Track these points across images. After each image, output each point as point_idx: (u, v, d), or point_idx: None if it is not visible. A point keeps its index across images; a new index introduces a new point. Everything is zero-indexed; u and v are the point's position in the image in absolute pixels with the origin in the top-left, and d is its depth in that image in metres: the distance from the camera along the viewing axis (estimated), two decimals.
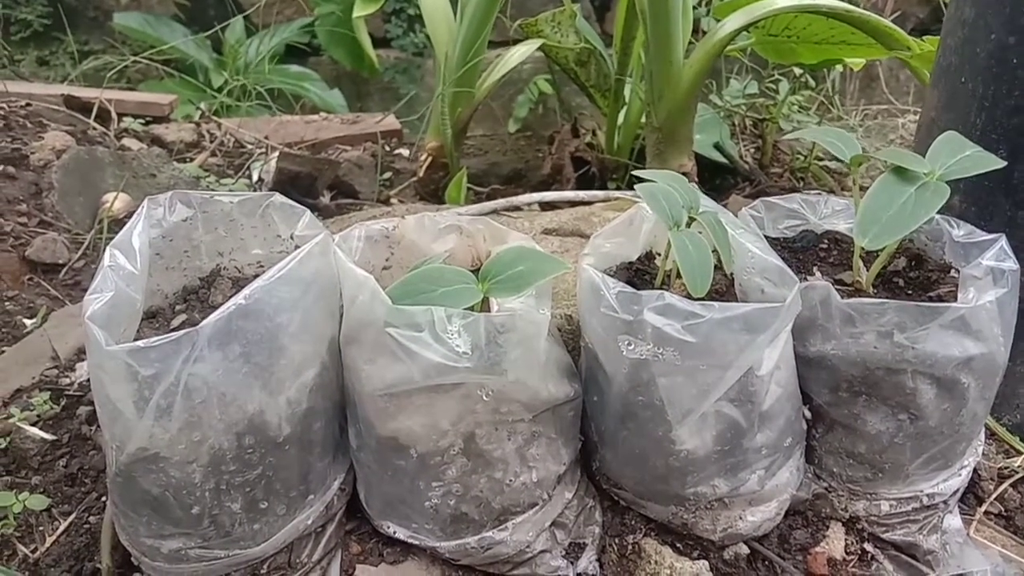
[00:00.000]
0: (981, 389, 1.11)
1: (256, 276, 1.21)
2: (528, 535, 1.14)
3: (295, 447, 1.05)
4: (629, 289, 1.05)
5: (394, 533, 1.15)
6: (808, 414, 1.21)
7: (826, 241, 1.31)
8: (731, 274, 1.20)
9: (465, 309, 1.03)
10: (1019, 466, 1.34)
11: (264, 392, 1.01)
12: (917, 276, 1.21)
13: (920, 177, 1.04)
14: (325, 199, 2.65)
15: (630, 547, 1.21)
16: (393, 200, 2.86)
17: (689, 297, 1.08)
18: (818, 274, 1.26)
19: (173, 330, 1.07)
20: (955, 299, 1.13)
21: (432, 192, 2.76)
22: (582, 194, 1.95)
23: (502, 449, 1.09)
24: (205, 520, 1.02)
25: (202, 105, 3.41)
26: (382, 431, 1.07)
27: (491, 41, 2.48)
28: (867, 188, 1.08)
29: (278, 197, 1.19)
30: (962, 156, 1.09)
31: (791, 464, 1.17)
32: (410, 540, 1.14)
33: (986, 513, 1.28)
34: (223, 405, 0.97)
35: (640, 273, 1.26)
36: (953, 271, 1.18)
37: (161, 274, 1.18)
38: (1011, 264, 1.09)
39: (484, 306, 1.08)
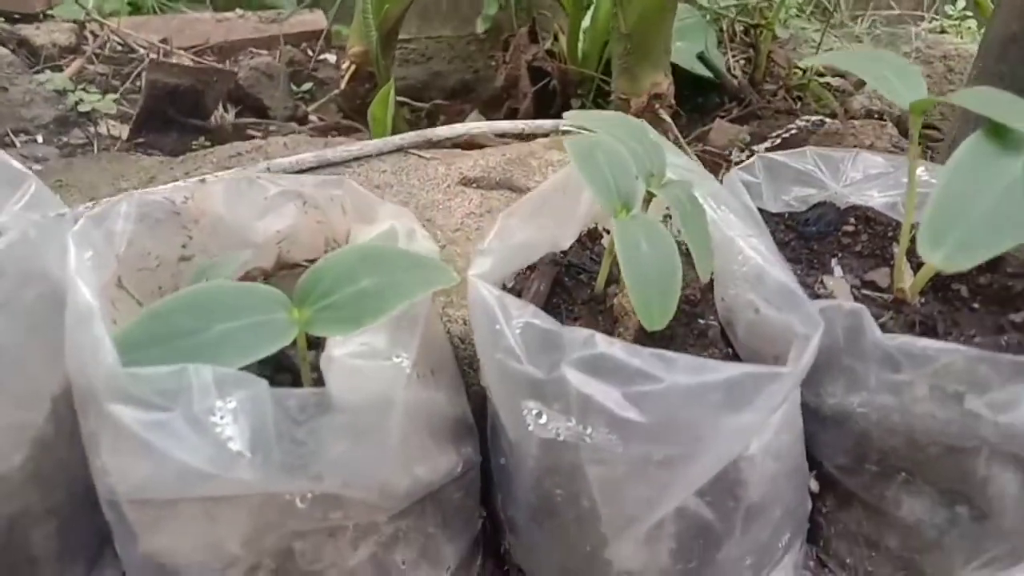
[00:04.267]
0: None
1: None
2: None
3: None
4: (539, 322, 0.63)
5: None
6: (815, 486, 0.81)
7: (852, 220, 0.88)
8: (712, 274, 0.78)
9: (274, 354, 0.61)
10: None
11: None
12: (990, 283, 0.80)
13: None
14: (225, 116, 2.17)
15: None
16: (312, 117, 2.39)
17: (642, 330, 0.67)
18: (838, 271, 0.85)
19: None
20: None
21: (359, 108, 2.29)
22: (519, 124, 1.50)
23: (341, 566, 0.69)
24: None
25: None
26: (143, 543, 0.66)
27: None
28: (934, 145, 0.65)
29: None
30: None
31: (787, 563, 0.79)
32: None
33: None
34: None
35: (574, 270, 0.84)
36: None
37: None
38: None
39: (309, 345, 0.66)
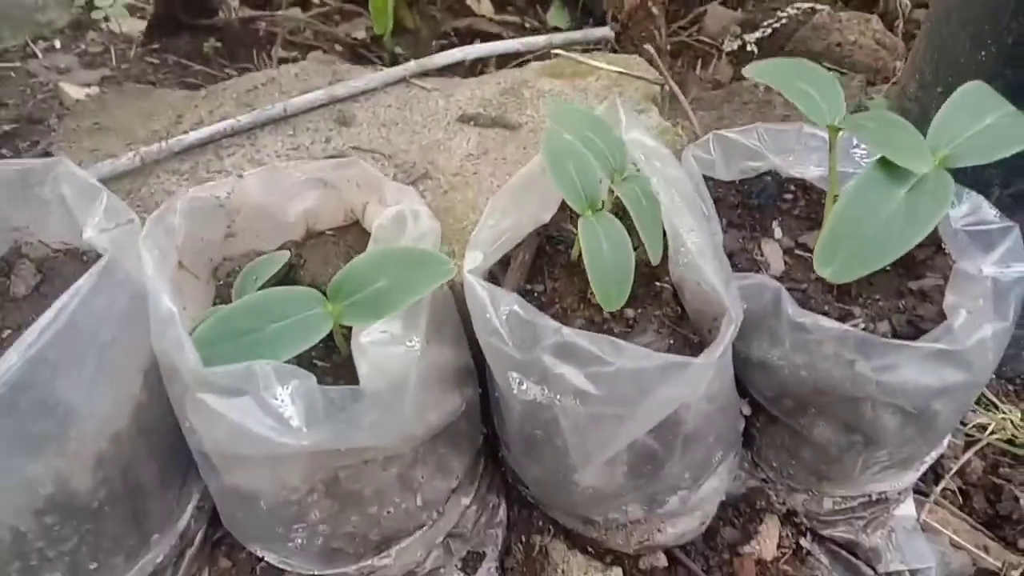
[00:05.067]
0: (957, 410, 0.91)
1: (68, 253, 0.97)
2: (417, 555, 0.99)
3: (119, 504, 0.87)
4: (521, 311, 0.80)
5: (263, 556, 1.00)
6: (747, 410, 1.01)
7: (793, 189, 1.03)
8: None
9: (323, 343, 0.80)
10: (995, 427, 1.17)
11: (61, 459, 0.80)
12: None
13: (914, 174, 0.75)
14: (233, 11, 2.23)
15: (537, 548, 1.08)
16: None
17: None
18: (779, 232, 1.00)
19: None
20: (942, 294, 0.89)
21: None
22: (513, 44, 1.58)
23: (375, 484, 0.91)
24: None
25: None
26: (224, 478, 0.88)
27: None
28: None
29: (65, 165, 0.89)
30: (981, 128, 0.79)
31: (721, 471, 1.00)
32: (281, 565, 0.99)
33: (944, 490, 1.14)
34: (6, 485, 0.77)
35: (554, 242, 1.00)
36: (947, 254, 0.92)
37: None
38: (1020, 268, 0.84)
39: (342, 332, 0.84)
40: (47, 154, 1.52)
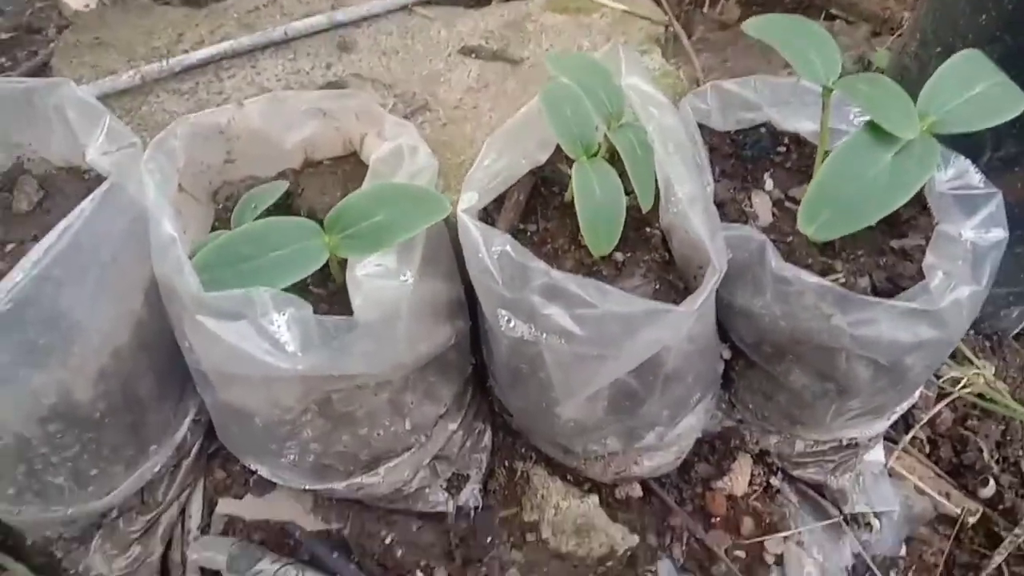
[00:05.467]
0: (929, 364, 0.94)
1: (70, 171, 0.99)
2: (404, 474, 1.04)
3: (119, 415, 0.91)
4: (512, 252, 0.83)
5: (256, 469, 1.05)
6: (727, 354, 1.05)
7: (786, 142, 1.04)
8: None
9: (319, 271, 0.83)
10: (967, 381, 1.22)
11: (65, 371, 0.84)
12: None
13: (902, 139, 0.77)
14: None
15: (519, 474, 1.13)
16: None
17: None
18: (770, 184, 1.02)
19: None
20: (922, 254, 0.92)
21: None
22: None
23: (366, 407, 0.95)
24: (27, 494, 0.91)
25: None
26: (221, 395, 0.92)
27: None
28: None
29: (69, 87, 0.90)
30: (970, 95, 0.80)
31: (699, 410, 1.04)
32: (273, 479, 1.04)
33: (912, 439, 1.19)
34: (12, 394, 0.81)
35: (549, 183, 1.02)
36: (931, 215, 0.94)
37: None
38: (998, 234, 0.86)
39: (338, 262, 0.87)
40: (45, 65, 1.51)
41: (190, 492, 1.07)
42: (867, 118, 0.78)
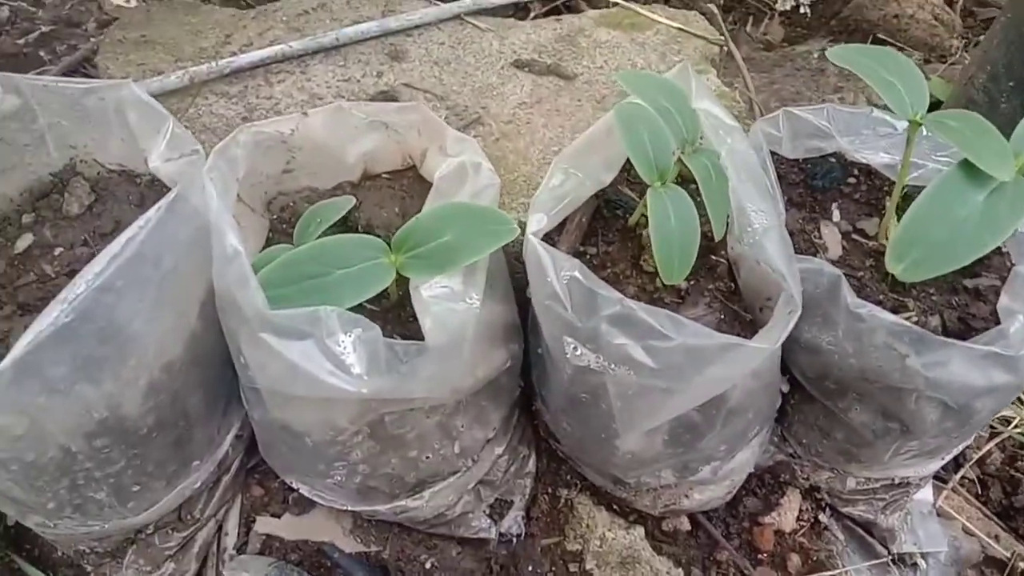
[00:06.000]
0: (995, 408, 0.92)
1: (122, 174, 0.97)
2: (448, 499, 1.02)
3: (166, 431, 0.88)
4: (582, 278, 0.80)
5: (298, 488, 1.02)
6: (786, 387, 1.02)
7: (856, 173, 1.01)
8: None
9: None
10: (1019, 421, 1.19)
11: (117, 384, 0.81)
12: None
13: (995, 180, 0.74)
14: None
15: (563, 501, 1.10)
16: None
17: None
18: (837, 215, 1.00)
19: (17, 255, 0.87)
20: (996, 295, 0.90)
21: None
22: None
23: (418, 429, 0.92)
24: (66, 508, 0.88)
25: None
26: (273, 413, 0.89)
27: None
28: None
29: (131, 89, 0.88)
30: None
31: (754, 444, 1.02)
32: (314, 498, 1.01)
33: (962, 479, 1.16)
34: (63, 408, 0.78)
35: (612, 206, 0.99)
36: (1006, 254, 0.92)
37: None
38: None
39: (402, 283, 0.84)
40: (87, 60, 1.49)
41: (228, 509, 1.05)
42: (954, 157, 0.76)
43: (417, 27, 1.39)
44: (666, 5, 1.62)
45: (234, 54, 1.29)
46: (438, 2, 1.45)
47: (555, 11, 1.63)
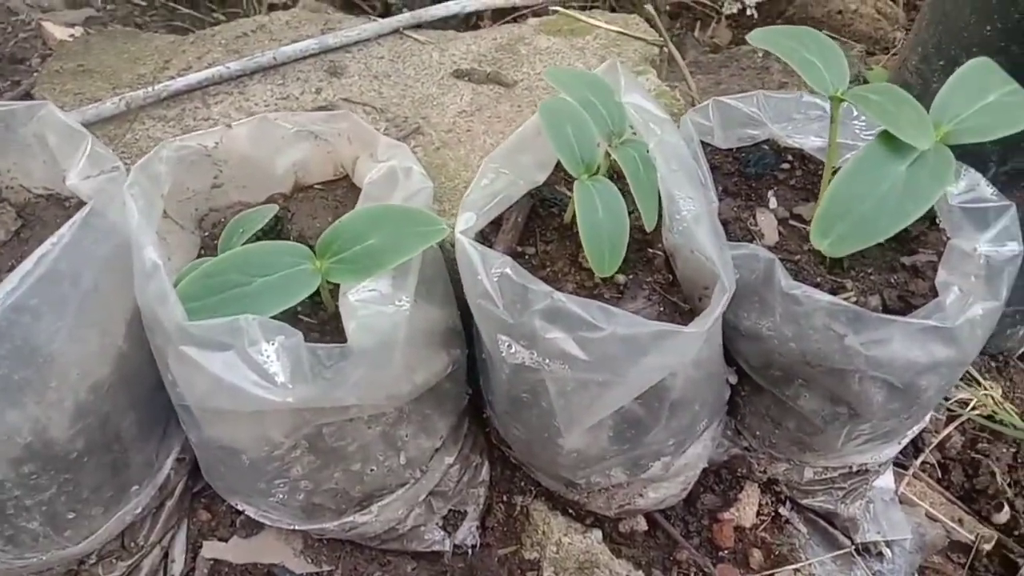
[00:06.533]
0: (943, 385, 0.91)
1: (50, 198, 0.95)
2: (399, 512, 1.00)
3: (98, 454, 0.86)
4: (513, 274, 0.79)
5: (243, 510, 1.00)
6: (734, 379, 1.01)
7: (790, 159, 1.01)
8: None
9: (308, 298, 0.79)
10: (976, 403, 1.18)
11: (40, 408, 0.79)
12: None
13: (916, 150, 0.74)
14: None
15: (518, 509, 1.08)
16: None
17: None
18: (774, 202, 1.00)
19: None
20: (934, 271, 0.89)
21: None
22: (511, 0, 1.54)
23: (360, 441, 0.90)
24: None
25: None
26: (206, 431, 0.87)
27: None
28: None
29: (49, 109, 0.87)
30: (983, 104, 0.78)
31: (705, 438, 1.01)
32: (261, 519, 0.99)
33: (923, 463, 1.15)
34: None
35: (547, 204, 0.99)
36: (941, 230, 0.92)
37: None
38: (1014, 248, 0.83)
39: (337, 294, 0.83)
40: (29, 95, 1.48)
41: (173, 535, 1.02)
42: (876, 131, 0.76)
43: (356, 43, 1.39)
44: (609, 11, 1.63)
45: (172, 78, 1.28)
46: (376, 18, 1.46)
47: (506, 24, 1.63)
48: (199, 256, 0.95)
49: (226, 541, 1.02)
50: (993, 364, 1.34)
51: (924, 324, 0.81)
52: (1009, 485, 1.18)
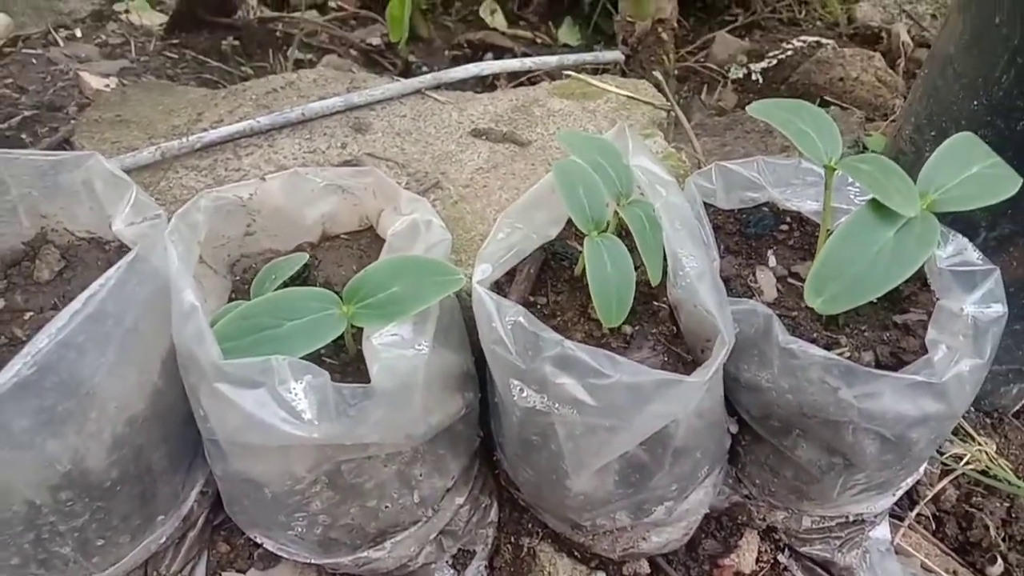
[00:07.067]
0: (933, 438, 0.95)
1: (92, 241, 1.01)
2: (410, 550, 1.03)
3: (130, 484, 0.91)
4: (525, 323, 0.85)
5: (262, 543, 1.04)
6: (735, 428, 1.06)
7: (788, 221, 1.07)
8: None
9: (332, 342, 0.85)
10: (970, 458, 1.22)
11: (80, 438, 0.84)
12: None
13: (903, 217, 0.80)
14: (251, 10, 2.28)
15: (525, 550, 1.12)
16: (331, 4, 2.48)
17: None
18: (773, 260, 1.05)
19: None
20: (924, 329, 0.94)
21: None
22: (526, 63, 1.63)
23: (376, 478, 0.95)
24: (31, 564, 0.89)
25: None
26: (233, 464, 0.92)
27: None
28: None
29: (97, 159, 0.94)
30: (967, 176, 0.84)
31: (707, 485, 1.05)
32: (279, 552, 1.03)
33: (918, 515, 1.19)
34: (28, 461, 0.81)
35: (559, 258, 1.04)
36: (932, 291, 0.97)
37: None
38: (998, 309, 0.88)
39: (359, 338, 0.89)
40: (66, 141, 1.56)
41: (194, 565, 1.06)
42: (868, 197, 0.82)
43: (380, 102, 1.47)
44: (620, 75, 1.71)
45: (205, 130, 1.35)
46: (399, 79, 1.54)
47: (520, 85, 1.72)
48: (230, 299, 1.01)
49: (244, 573, 1.06)
50: (988, 421, 1.38)
51: (913, 379, 0.85)
52: (1003, 539, 1.21)
